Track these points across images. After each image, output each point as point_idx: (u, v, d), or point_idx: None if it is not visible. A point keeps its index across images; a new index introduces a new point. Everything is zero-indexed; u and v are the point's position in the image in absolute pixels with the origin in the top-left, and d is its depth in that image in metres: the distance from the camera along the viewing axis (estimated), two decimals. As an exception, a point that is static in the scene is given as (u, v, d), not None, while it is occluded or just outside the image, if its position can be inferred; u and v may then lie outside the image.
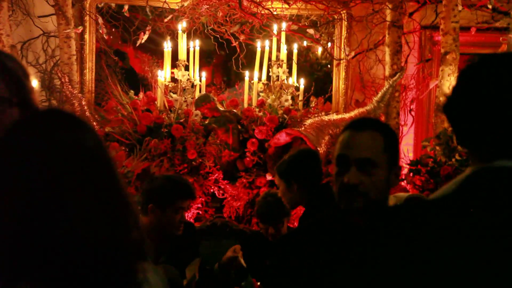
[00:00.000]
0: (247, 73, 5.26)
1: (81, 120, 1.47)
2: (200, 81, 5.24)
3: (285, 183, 3.58)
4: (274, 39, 5.31)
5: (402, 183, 4.54)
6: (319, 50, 5.81)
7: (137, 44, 5.22)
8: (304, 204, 3.60)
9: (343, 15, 5.31)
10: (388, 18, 5.06)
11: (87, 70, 5.19)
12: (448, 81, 4.84)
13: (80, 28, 4.99)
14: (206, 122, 4.77)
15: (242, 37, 5.41)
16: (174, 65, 5.11)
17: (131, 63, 5.89)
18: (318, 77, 5.81)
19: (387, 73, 5.11)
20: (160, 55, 5.33)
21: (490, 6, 5.11)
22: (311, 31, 5.30)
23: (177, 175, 4.11)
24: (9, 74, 1.81)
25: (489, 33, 5.49)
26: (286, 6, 5.19)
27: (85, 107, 4.82)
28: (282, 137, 4.66)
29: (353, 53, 5.37)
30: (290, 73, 5.33)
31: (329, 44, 5.58)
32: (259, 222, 3.97)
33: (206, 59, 5.75)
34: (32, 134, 1.39)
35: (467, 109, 1.52)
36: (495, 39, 5.45)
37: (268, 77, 5.28)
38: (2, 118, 1.74)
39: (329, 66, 5.73)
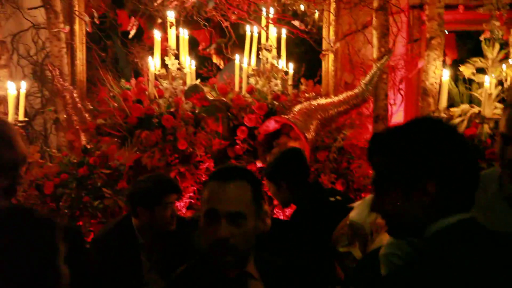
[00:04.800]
0: (237, 57, 5.30)
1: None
2: (190, 68, 5.29)
3: (274, 185, 3.72)
4: (264, 23, 5.35)
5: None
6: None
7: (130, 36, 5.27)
8: (295, 202, 3.73)
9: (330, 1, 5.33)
10: (375, 4, 5.08)
11: (78, 61, 5.24)
12: (433, 65, 4.88)
13: (67, 28, 5.03)
14: (196, 111, 4.83)
15: (233, 17, 5.45)
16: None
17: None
18: (309, 60, 5.84)
19: (375, 56, 5.14)
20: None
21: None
22: (296, 22, 5.33)
23: (158, 173, 4.19)
24: None
25: (476, 11, 5.49)
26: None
27: (77, 99, 4.89)
28: (271, 124, 4.72)
29: (338, 44, 5.39)
30: (285, 57, 5.39)
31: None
32: None
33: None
34: None
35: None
36: (482, 16, 5.46)
37: (258, 62, 5.33)
38: None
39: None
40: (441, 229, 1.59)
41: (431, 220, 1.61)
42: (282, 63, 5.40)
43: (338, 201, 3.67)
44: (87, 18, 5.05)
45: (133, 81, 5.24)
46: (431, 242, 1.60)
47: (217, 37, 6.20)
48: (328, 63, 5.47)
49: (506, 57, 5.07)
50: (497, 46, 4.94)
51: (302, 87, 5.39)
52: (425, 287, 1.51)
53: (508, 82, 5.04)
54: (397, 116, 5.57)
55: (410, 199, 1.62)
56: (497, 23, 4.98)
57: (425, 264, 1.56)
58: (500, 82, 4.96)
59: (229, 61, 5.87)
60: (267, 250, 3.51)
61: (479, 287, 1.51)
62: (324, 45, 5.46)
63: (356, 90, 5.08)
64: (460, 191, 1.62)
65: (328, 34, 5.38)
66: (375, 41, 5.14)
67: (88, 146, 4.43)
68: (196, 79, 5.37)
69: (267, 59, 5.27)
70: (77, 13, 5.12)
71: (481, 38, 4.99)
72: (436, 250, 1.58)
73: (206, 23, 5.40)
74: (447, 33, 5.32)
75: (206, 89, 5.12)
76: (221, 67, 6.12)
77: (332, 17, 5.37)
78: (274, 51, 5.34)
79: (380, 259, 2.43)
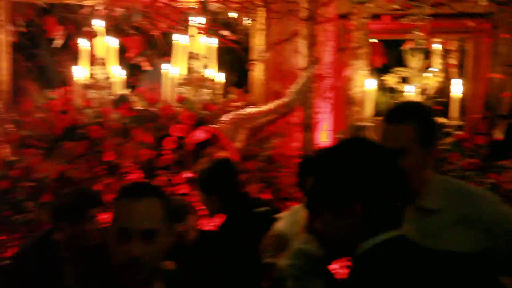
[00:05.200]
0: (164, 66, 5.27)
1: None
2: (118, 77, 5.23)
3: (204, 194, 3.73)
4: (195, 32, 5.33)
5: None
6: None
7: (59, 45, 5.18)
8: (224, 212, 3.74)
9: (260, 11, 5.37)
10: (303, 13, 5.15)
11: (3, 70, 5.11)
12: (359, 74, 4.98)
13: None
14: (125, 121, 4.78)
15: (163, 26, 5.43)
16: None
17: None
18: (239, 69, 5.87)
19: (303, 65, 5.21)
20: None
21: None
22: (225, 32, 5.36)
23: (80, 187, 4.13)
24: None
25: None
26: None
27: (1, 109, 4.78)
28: (201, 134, 4.72)
29: (267, 54, 5.43)
30: (215, 66, 5.40)
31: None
32: None
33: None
34: None
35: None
36: (407, 26, 5.59)
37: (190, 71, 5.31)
38: None
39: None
40: (370, 248, 1.63)
41: (361, 240, 1.65)
42: (211, 72, 5.40)
43: (266, 211, 3.70)
44: (10, 28, 4.93)
45: (60, 90, 5.15)
46: (361, 260, 1.64)
47: (147, 45, 6.15)
48: (257, 72, 5.50)
49: (429, 67, 5.22)
50: (420, 55, 5.07)
51: (232, 96, 5.40)
52: None
53: (431, 91, 5.20)
54: (326, 125, 5.64)
55: (340, 220, 1.66)
56: (420, 33, 5.11)
57: (355, 283, 1.61)
58: (426, 91, 5.10)
59: (155, 69, 5.83)
60: (193, 262, 3.55)
61: None
62: (254, 54, 5.49)
63: (285, 99, 5.14)
64: (388, 210, 1.66)
65: (257, 43, 5.41)
66: (303, 50, 5.20)
67: (12, 158, 4.33)
68: (127, 88, 5.31)
69: (195, 68, 5.26)
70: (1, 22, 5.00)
71: (404, 48, 5.12)
72: (365, 269, 1.62)
73: (135, 32, 5.36)
74: (376, 41, 5.43)
75: (135, 98, 5.07)
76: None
77: (261, 26, 5.41)
78: (204, 60, 5.33)
79: (283, 271, 2.47)
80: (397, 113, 2.34)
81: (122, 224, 1.98)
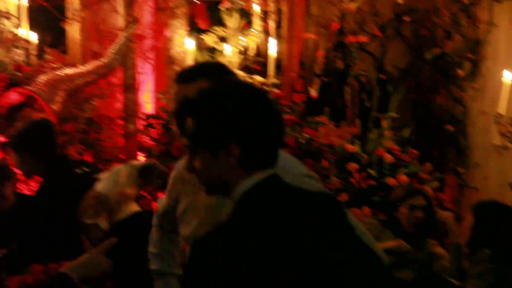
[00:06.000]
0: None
1: None
2: None
3: (18, 156, 3.58)
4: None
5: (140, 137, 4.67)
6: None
7: None
8: (40, 174, 3.62)
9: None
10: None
11: None
12: (178, 34, 4.99)
13: None
14: None
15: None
16: None
17: None
18: (55, 29, 5.62)
19: (121, 24, 5.11)
20: None
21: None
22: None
23: None
24: None
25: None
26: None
27: None
28: (14, 96, 4.50)
29: (84, 13, 5.26)
30: (26, 26, 5.11)
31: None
32: None
33: None
34: None
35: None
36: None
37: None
38: None
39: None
40: (248, 189, 1.69)
41: (238, 178, 1.70)
42: (24, 32, 5.13)
43: (85, 172, 3.63)
44: None
45: None
46: (241, 203, 1.69)
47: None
48: (74, 32, 5.32)
49: (249, 27, 5.34)
50: (237, 15, 5.17)
51: (47, 57, 5.18)
52: (235, 247, 1.60)
53: (251, 51, 5.33)
54: (147, 85, 5.61)
55: (217, 160, 1.70)
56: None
57: (235, 225, 1.67)
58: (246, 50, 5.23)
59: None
60: (10, 227, 3.42)
61: (283, 244, 1.62)
62: (69, 13, 5.29)
63: (104, 60, 5.03)
64: (264, 150, 1.73)
65: (72, 1, 5.21)
66: (121, 9, 5.10)
67: None
68: None
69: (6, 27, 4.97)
70: None
71: (221, 7, 5.18)
72: (244, 211, 1.68)
73: None
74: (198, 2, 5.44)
75: None
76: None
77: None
78: (15, 19, 5.05)
79: None
80: (189, 72, 2.31)
81: None
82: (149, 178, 3.29)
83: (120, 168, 3.22)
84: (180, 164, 2.37)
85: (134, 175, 3.15)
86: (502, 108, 4.97)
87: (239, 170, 1.71)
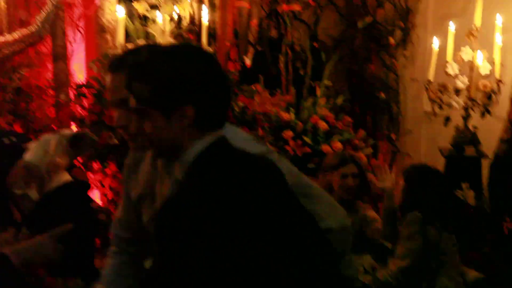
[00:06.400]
0: None
1: None
2: None
3: None
4: None
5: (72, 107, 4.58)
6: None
7: None
8: None
9: None
10: None
11: None
12: (108, 1, 4.88)
13: None
14: None
15: None
16: None
17: None
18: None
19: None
20: None
21: None
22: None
23: None
24: None
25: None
26: None
27: None
28: None
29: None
30: None
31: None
32: None
33: None
34: None
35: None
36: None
37: None
38: None
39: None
40: (200, 152, 1.71)
41: (189, 141, 1.72)
42: None
43: (12, 142, 3.53)
44: None
45: None
46: (194, 166, 1.71)
47: None
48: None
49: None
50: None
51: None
52: (192, 212, 1.63)
53: (184, 19, 5.27)
54: (78, 54, 5.48)
55: (170, 122, 1.71)
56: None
57: (190, 190, 1.69)
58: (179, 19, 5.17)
59: None
60: None
61: (237, 204, 1.65)
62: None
63: (32, 28, 4.89)
64: (215, 112, 1.75)
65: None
66: (48, -25, 4.94)
67: None
68: None
69: None
70: None
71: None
72: (197, 175, 1.70)
73: None
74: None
75: None
76: None
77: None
78: None
79: None
80: (117, 60, 2.13)
81: None
82: (81, 148, 3.23)
83: (49, 138, 3.14)
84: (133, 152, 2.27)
85: (64, 144, 3.08)
86: (431, 75, 5.08)
87: (192, 131, 1.72)
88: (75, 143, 3.14)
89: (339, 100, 5.36)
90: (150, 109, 1.73)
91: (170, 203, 1.73)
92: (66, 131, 3.42)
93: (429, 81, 5.08)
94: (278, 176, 1.80)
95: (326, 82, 5.43)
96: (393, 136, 5.71)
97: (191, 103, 1.69)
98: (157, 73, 1.72)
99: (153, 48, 1.88)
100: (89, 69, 5.22)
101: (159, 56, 1.76)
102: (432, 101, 5.10)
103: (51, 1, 4.87)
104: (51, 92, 4.98)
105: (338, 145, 4.85)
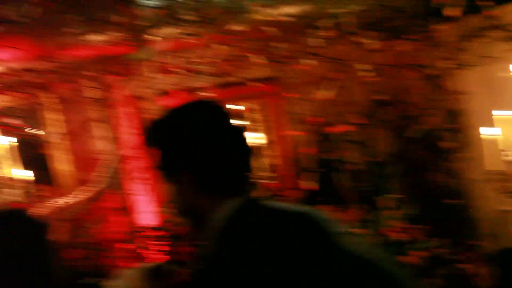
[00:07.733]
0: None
1: None
2: None
3: None
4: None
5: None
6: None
7: None
8: None
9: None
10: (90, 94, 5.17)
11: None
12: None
13: None
14: None
15: None
16: None
17: None
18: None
19: (104, 149, 5.18)
20: None
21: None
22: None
23: None
24: None
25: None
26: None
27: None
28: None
29: (66, 143, 5.31)
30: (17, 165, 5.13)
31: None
32: None
33: None
34: None
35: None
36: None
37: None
38: None
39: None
40: (228, 215, 1.62)
41: (211, 207, 1.65)
42: (18, 172, 5.12)
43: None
44: None
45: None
46: (225, 229, 1.62)
47: None
48: (60, 163, 5.30)
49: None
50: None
51: (41, 193, 5.15)
52: (230, 276, 1.54)
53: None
54: (144, 205, 5.54)
55: (182, 188, 1.68)
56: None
57: (226, 252, 1.59)
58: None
59: None
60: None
61: (274, 265, 1.54)
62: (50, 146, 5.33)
63: (96, 185, 5.03)
64: (221, 176, 1.68)
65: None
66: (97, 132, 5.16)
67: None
68: None
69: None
70: None
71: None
72: (230, 236, 1.61)
73: None
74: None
75: None
76: None
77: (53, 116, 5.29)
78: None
79: None
80: None
81: None
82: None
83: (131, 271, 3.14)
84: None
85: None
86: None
87: (209, 197, 1.66)
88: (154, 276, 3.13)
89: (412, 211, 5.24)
90: (162, 174, 1.74)
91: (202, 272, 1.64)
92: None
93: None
94: (318, 231, 1.66)
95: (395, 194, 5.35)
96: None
97: (187, 170, 1.67)
98: (156, 143, 1.74)
99: (163, 115, 1.84)
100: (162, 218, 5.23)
101: (162, 123, 1.76)
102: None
103: (109, 157, 5.04)
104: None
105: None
